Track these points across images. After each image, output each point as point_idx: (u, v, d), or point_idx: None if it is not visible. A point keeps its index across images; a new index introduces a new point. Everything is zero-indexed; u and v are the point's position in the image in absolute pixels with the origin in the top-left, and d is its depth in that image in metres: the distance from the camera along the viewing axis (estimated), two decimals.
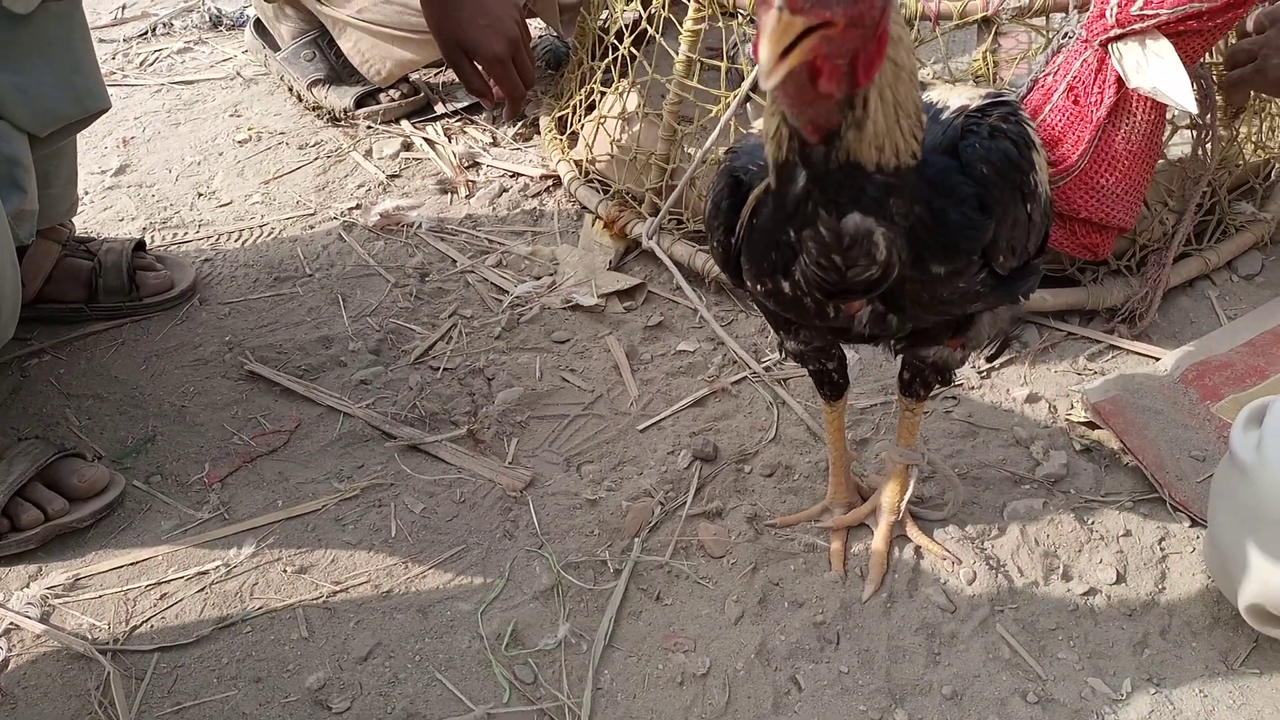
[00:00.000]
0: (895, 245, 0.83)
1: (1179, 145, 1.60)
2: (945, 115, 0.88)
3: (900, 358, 1.10)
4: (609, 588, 1.23)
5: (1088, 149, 1.40)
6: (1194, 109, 1.36)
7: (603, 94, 1.88)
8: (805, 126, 0.78)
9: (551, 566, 1.26)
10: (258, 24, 2.26)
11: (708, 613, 1.20)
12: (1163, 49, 1.34)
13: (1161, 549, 1.23)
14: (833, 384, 1.17)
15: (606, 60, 1.84)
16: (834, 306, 0.90)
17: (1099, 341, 1.52)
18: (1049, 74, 1.45)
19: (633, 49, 1.79)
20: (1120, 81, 1.38)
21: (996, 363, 1.48)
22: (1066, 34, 1.45)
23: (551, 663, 1.16)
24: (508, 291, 1.69)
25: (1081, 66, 1.41)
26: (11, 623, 1.21)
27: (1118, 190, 1.42)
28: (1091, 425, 1.37)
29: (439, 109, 2.16)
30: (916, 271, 0.86)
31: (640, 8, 1.84)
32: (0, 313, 1.33)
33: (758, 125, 0.98)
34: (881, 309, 0.91)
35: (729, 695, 1.12)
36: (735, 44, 1.66)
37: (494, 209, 1.90)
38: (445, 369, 1.55)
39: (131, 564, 1.28)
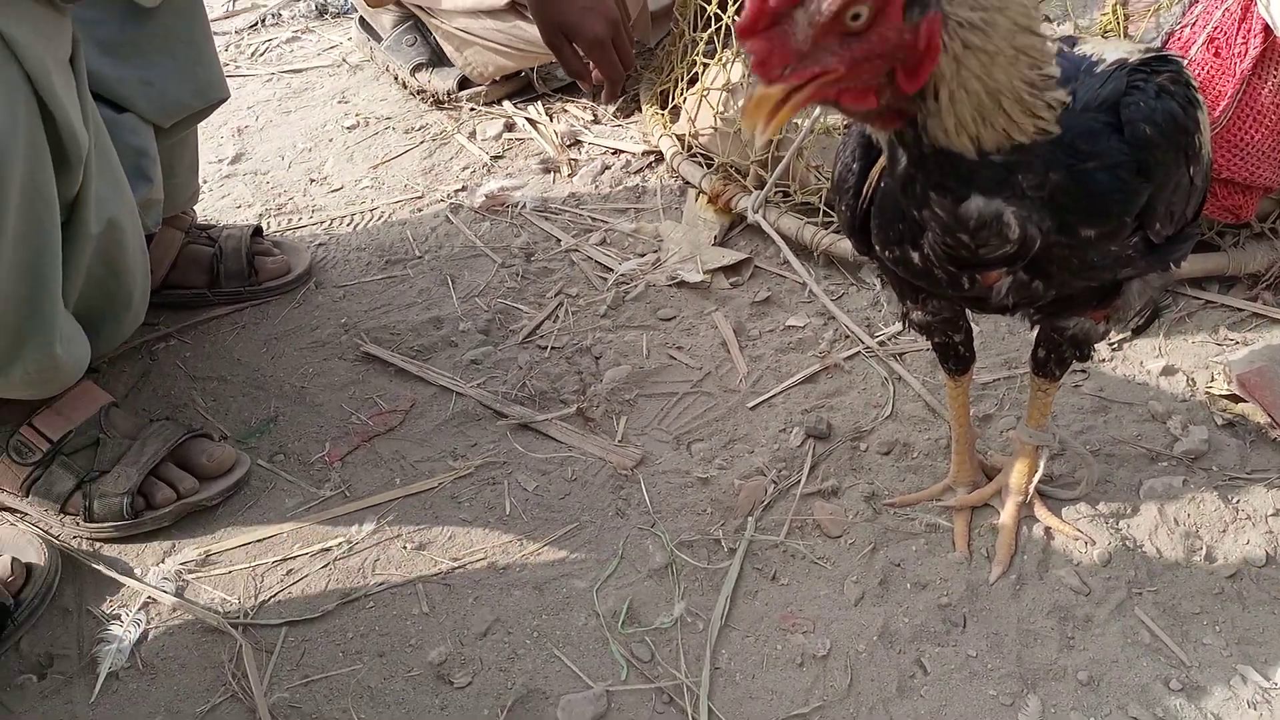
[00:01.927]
0: (1030, 220, 0.79)
1: None
2: (1101, 69, 0.82)
3: (1036, 332, 1.05)
4: (724, 567, 1.21)
5: (1230, 104, 1.32)
6: None
7: (705, 66, 1.84)
8: (873, 123, 0.77)
9: (665, 545, 1.25)
10: (361, 19, 2.30)
11: (826, 593, 1.18)
12: None
13: None
14: (958, 357, 1.13)
15: (709, 31, 1.80)
16: (969, 278, 0.86)
17: (1241, 310, 1.43)
18: (1186, 25, 1.37)
19: (736, 18, 1.75)
20: (1267, 30, 1.28)
21: (1128, 334, 1.41)
22: None
23: (668, 641, 1.15)
24: (612, 269, 1.68)
25: (1224, 16, 1.32)
26: (149, 597, 1.26)
27: (1264, 147, 1.33)
28: (1235, 398, 1.29)
29: (539, 88, 2.16)
30: (1064, 236, 0.81)
31: None
32: (132, 298, 1.38)
33: None
34: (1025, 277, 0.86)
35: (851, 677, 1.09)
36: None
37: (597, 187, 1.89)
38: (553, 348, 1.55)
39: (259, 540, 1.32)
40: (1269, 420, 1.25)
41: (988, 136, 0.75)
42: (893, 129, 0.76)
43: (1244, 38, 1.30)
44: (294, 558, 1.29)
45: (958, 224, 0.80)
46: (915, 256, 0.86)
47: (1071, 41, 0.86)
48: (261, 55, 2.47)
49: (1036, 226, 0.79)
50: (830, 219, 1.63)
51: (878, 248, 0.92)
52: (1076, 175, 0.79)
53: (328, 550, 1.29)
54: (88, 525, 1.32)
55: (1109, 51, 0.84)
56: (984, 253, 0.80)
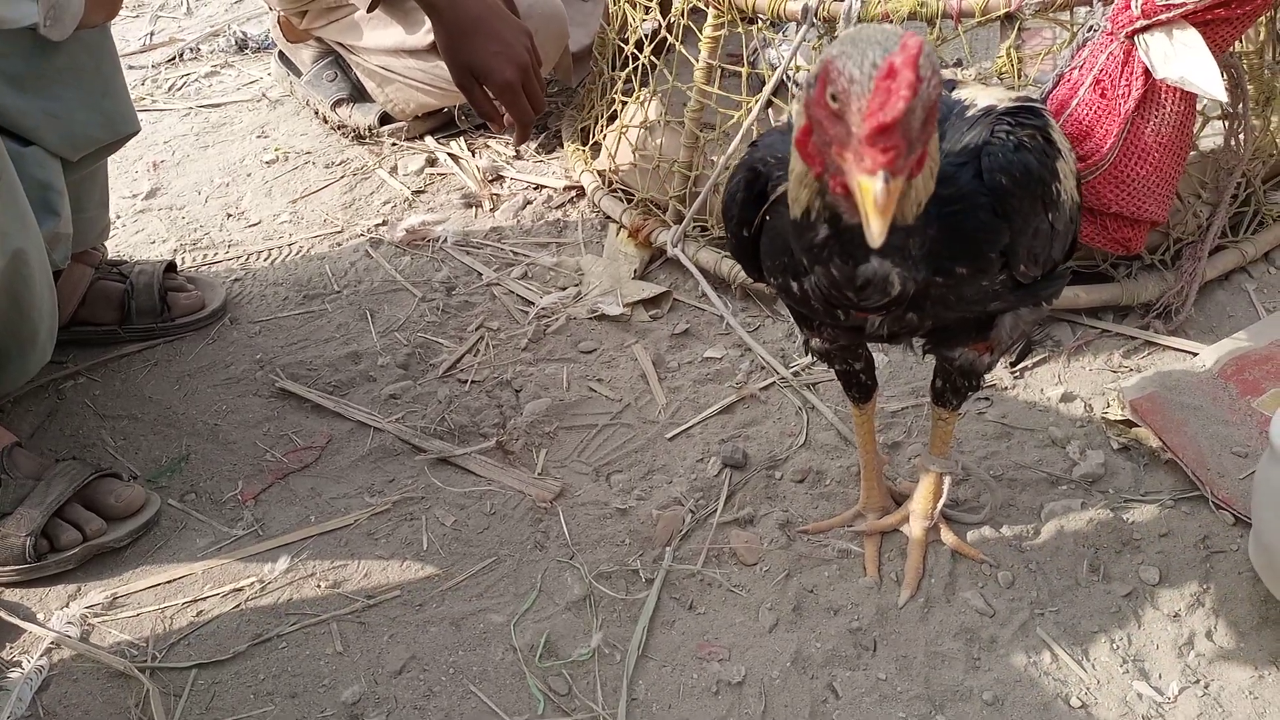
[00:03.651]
0: (911, 278, 0.83)
1: (1211, 136, 1.58)
2: (970, 113, 0.86)
3: (933, 364, 1.09)
4: (641, 597, 1.22)
5: (1116, 142, 1.38)
6: (1224, 98, 1.34)
7: (624, 104, 1.88)
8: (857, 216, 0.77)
9: (583, 577, 1.25)
10: (281, 54, 2.29)
11: (742, 621, 1.19)
12: (1190, 38, 1.32)
13: (1205, 547, 1.21)
14: (860, 385, 1.16)
15: (627, 70, 1.84)
16: (844, 312, 0.90)
17: (1134, 338, 1.50)
18: (1074, 68, 1.43)
19: (653, 58, 1.79)
20: (1148, 73, 1.36)
21: (1029, 362, 1.46)
22: (1091, 27, 1.43)
23: (585, 674, 1.15)
24: (533, 303, 1.69)
25: (1108, 59, 1.39)
26: (53, 642, 1.22)
27: (1149, 183, 1.40)
28: (1129, 423, 1.35)
29: (461, 124, 2.17)
30: (940, 277, 0.85)
31: (659, 17, 1.84)
32: (37, 336, 1.35)
33: (784, 115, 0.98)
34: (899, 311, 0.90)
35: (765, 704, 1.10)
36: (755, 49, 1.66)
37: (518, 221, 1.90)
38: (473, 382, 1.55)
39: (168, 582, 1.29)
40: (1160, 444, 1.31)
41: (922, 204, 0.79)
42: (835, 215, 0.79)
43: (1127, 80, 1.37)
44: (204, 599, 1.26)
45: (849, 281, 0.84)
46: (795, 287, 0.89)
47: (951, 85, 0.90)
48: (179, 90, 2.44)
49: (914, 279, 0.83)
50: None
51: (766, 273, 0.95)
52: (950, 218, 0.83)
53: (239, 590, 1.27)
54: None
55: (981, 97, 0.88)
56: (864, 304, 0.84)
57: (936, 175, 0.79)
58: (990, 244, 0.85)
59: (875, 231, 0.68)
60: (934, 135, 0.74)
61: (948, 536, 1.24)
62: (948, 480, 1.21)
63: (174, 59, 2.57)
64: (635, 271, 1.73)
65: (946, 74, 0.93)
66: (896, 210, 0.75)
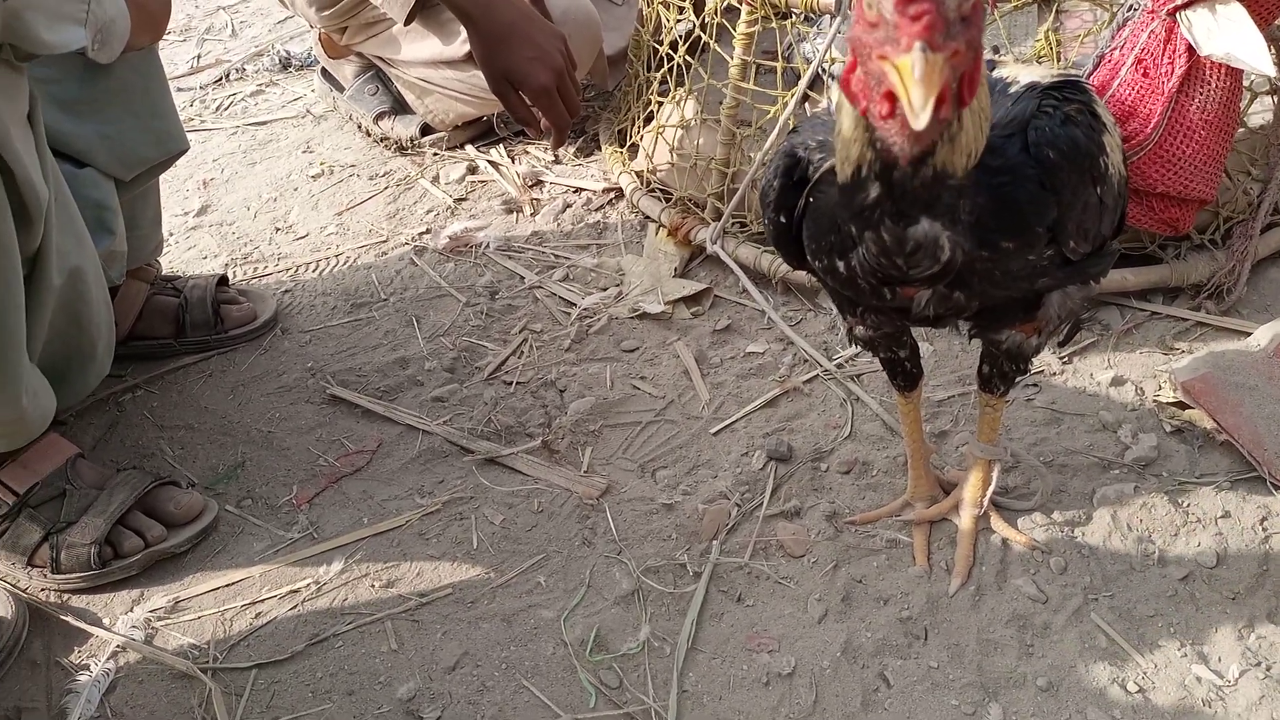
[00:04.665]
0: (959, 245, 0.83)
1: (1260, 113, 1.55)
2: (1014, 89, 0.86)
3: (980, 349, 1.08)
4: (689, 590, 1.23)
5: (1160, 121, 1.36)
6: (1271, 72, 1.31)
7: (660, 104, 1.89)
8: (910, 150, 0.76)
9: (631, 572, 1.26)
10: (324, 70, 2.34)
11: (790, 612, 1.19)
12: (1234, 13, 1.30)
13: (1264, 529, 1.18)
14: (905, 373, 1.16)
15: (662, 71, 1.85)
16: (890, 290, 0.89)
17: (1185, 319, 1.47)
18: (1115, 48, 1.42)
19: (688, 57, 1.80)
20: (1191, 50, 1.34)
21: (1077, 347, 1.44)
22: (1131, 6, 1.41)
23: (635, 667, 1.16)
24: (575, 304, 1.70)
25: (1149, 38, 1.37)
26: (119, 645, 1.25)
27: (1195, 161, 1.37)
28: (1182, 405, 1.32)
29: (501, 131, 2.20)
30: (986, 251, 0.84)
31: (693, 16, 1.85)
32: (96, 349, 1.39)
33: (821, 105, 0.98)
34: (946, 290, 0.89)
35: (816, 694, 1.10)
36: (790, 44, 1.66)
37: (559, 225, 1.92)
38: (518, 383, 1.57)
39: (227, 585, 1.32)
40: (1215, 425, 1.28)
41: (974, 156, 0.78)
42: (907, 161, 0.77)
43: (1169, 58, 1.35)
44: (262, 600, 1.29)
45: (899, 245, 0.83)
46: (841, 266, 0.89)
47: (990, 65, 0.90)
48: (226, 109, 2.50)
49: (961, 249, 0.82)
50: None
51: (809, 257, 0.95)
52: (997, 189, 0.82)
53: (296, 592, 1.30)
54: (55, 577, 1.32)
55: (1023, 75, 0.88)
56: (913, 273, 0.84)
57: (986, 135, 0.78)
58: (1037, 217, 0.85)
59: (918, 104, 0.65)
60: (981, 62, 0.72)
61: (997, 524, 1.22)
62: (997, 468, 1.20)
63: (221, 80, 2.63)
64: (675, 270, 1.74)
65: (985, 56, 0.92)
66: (945, 157, 0.75)
